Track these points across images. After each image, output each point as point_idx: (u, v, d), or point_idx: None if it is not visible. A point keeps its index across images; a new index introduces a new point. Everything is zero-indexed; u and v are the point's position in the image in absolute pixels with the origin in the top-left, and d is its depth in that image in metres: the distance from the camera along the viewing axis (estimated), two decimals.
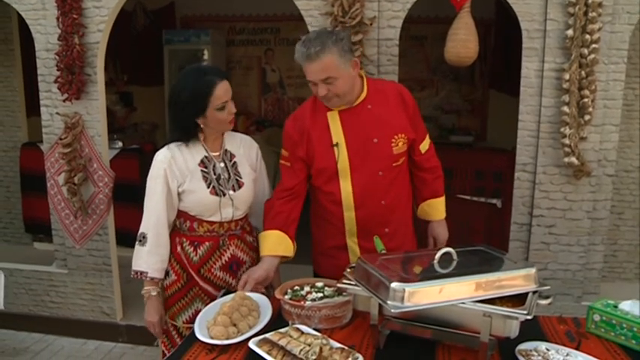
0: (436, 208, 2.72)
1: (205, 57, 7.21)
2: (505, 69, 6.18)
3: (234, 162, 2.45)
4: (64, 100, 3.69)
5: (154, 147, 5.31)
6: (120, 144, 5.23)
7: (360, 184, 2.46)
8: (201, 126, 2.32)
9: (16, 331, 4.22)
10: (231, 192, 2.39)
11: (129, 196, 4.64)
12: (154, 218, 2.34)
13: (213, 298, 2.35)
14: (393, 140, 2.44)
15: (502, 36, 6.23)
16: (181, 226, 2.41)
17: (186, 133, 2.34)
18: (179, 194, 2.35)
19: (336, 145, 2.44)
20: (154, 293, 2.41)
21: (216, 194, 2.35)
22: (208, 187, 2.34)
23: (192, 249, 2.39)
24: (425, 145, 2.63)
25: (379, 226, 2.52)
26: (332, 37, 2.29)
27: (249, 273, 2.36)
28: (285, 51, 7.74)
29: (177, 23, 7.71)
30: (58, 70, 3.65)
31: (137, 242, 2.38)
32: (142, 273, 2.37)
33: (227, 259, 2.43)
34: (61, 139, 3.73)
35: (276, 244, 2.46)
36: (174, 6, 7.59)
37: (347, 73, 2.32)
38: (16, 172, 5.20)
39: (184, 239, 2.41)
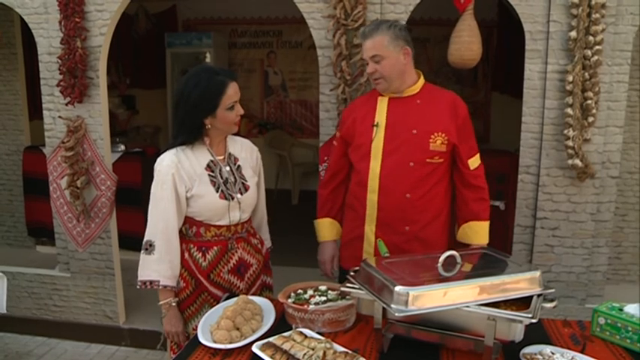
0: (477, 232, 2.62)
1: (207, 60, 7.24)
2: (508, 71, 6.18)
3: (239, 165, 2.45)
4: (66, 104, 3.70)
5: (156, 150, 5.32)
6: (122, 147, 5.23)
7: (388, 168, 2.51)
8: (208, 127, 2.31)
9: (19, 335, 4.22)
10: (238, 195, 2.38)
11: (131, 199, 4.66)
12: (163, 224, 2.30)
13: None
14: (432, 136, 2.48)
15: (504, 38, 6.22)
16: (187, 232, 2.39)
17: (193, 134, 2.33)
18: (187, 199, 2.32)
19: (377, 125, 2.55)
20: (174, 304, 2.37)
21: (225, 198, 2.34)
22: (217, 191, 2.33)
23: (200, 254, 2.37)
24: (474, 162, 2.59)
25: (400, 221, 2.53)
26: (387, 23, 2.50)
27: (322, 260, 2.81)
28: (288, 53, 7.77)
29: (180, 26, 7.74)
30: (60, 73, 3.65)
31: (143, 251, 2.34)
32: (152, 282, 2.32)
33: (235, 262, 2.42)
34: (63, 142, 3.73)
35: (330, 230, 2.81)
36: (176, 9, 7.62)
37: (395, 56, 2.47)
38: (19, 176, 5.20)
39: (192, 245, 2.38)
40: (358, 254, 2.63)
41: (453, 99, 2.58)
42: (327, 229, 2.81)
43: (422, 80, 2.60)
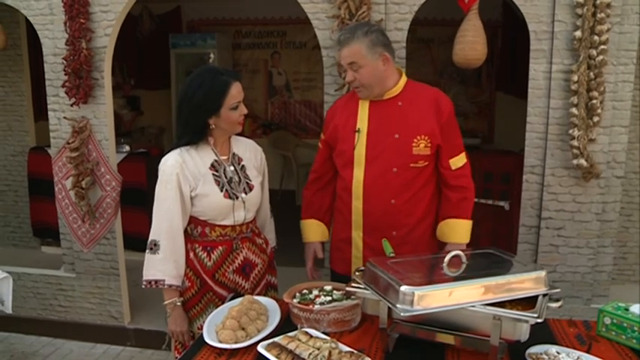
0: (454, 230, 2.55)
1: (212, 60, 7.24)
2: (512, 71, 6.17)
3: (243, 165, 2.45)
4: (71, 105, 3.70)
5: (161, 151, 5.33)
6: (127, 148, 5.24)
7: (371, 176, 2.48)
8: (212, 126, 2.31)
9: (25, 335, 4.23)
10: (243, 195, 2.38)
11: (136, 200, 4.66)
12: (167, 224, 2.31)
13: None
14: (415, 140, 2.44)
15: (509, 38, 6.22)
16: (192, 232, 2.40)
17: (197, 134, 2.33)
18: (192, 199, 2.33)
19: (358, 131, 2.51)
20: (179, 303, 2.38)
21: (230, 197, 2.34)
22: (221, 191, 2.33)
23: (205, 254, 2.38)
24: (457, 162, 2.53)
25: (386, 226, 2.52)
26: (363, 29, 2.42)
27: (305, 260, 2.79)
28: (292, 54, 7.77)
29: (184, 27, 7.75)
30: (65, 74, 3.66)
31: (148, 251, 2.34)
32: (157, 282, 2.32)
33: (240, 262, 2.42)
34: (68, 143, 3.74)
35: (315, 231, 2.77)
36: (180, 10, 7.63)
37: (373, 64, 2.41)
38: (24, 177, 5.21)
39: (197, 245, 2.39)
40: (347, 257, 2.64)
41: (436, 97, 2.51)
42: (311, 229, 2.78)
43: (403, 80, 2.53)
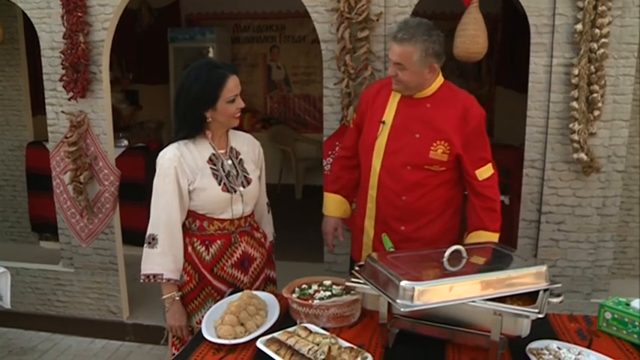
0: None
1: (211, 54, 7.23)
2: (512, 65, 6.16)
3: (240, 159, 2.45)
4: (69, 99, 3.69)
5: (159, 145, 5.29)
6: (125, 142, 5.23)
7: (387, 169, 2.50)
8: (209, 120, 2.30)
9: (24, 330, 4.23)
10: (241, 188, 2.38)
11: (135, 194, 4.65)
12: (165, 218, 2.30)
13: None
14: (434, 144, 2.43)
15: (509, 31, 6.20)
16: (190, 226, 2.39)
17: (194, 127, 2.32)
18: (190, 192, 2.32)
19: (383, 122, 2.53)
20: (177, 298, 2.38)
21: (228, 191, 2.33)
22: (219, 184, 2.32)
23: (203, 248, 2.37)
24: (483, 173, 2.50)
25: (396, 220, 2.53)
26: (424, 35, 2.35)
27: (325, 231, 2.82)
28: (291, 48, 7.75)
29: (183, 21, 7.73)
30: (63, 68, 3.64)
31: (146, 245, 2.34)
32: (155, 276, 2.32)
33: (239, 256, 2.41)
34: (66, 137, 3.73)
35: (337, 206, 2.82)
36: (179, 4, 7.61)
37: (419, 70, 2.39)
38: (22, 171, 5.20)
39: (195, 239, 2.38)
40: (360, 245, 2.68)
41: (467, 106, 2.46)
42: (333, 204, 2.82)
43: (438, 81, 2.50)
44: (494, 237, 2.51)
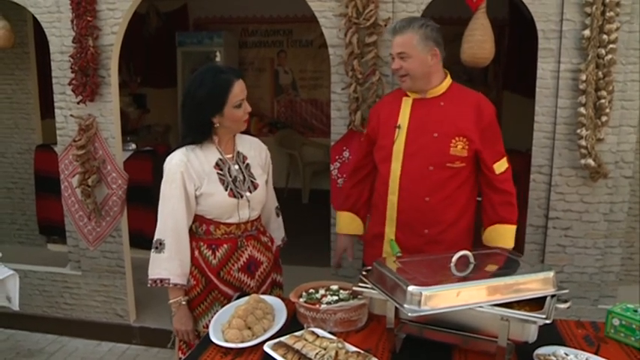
0: (502, 235, 2.54)
1: (218, 59, 7.26)
2: (519, 70, 6.15)
3: (247, 164, 2.45)
4: (78, 102, 3.71)
5: (167, 149, 5.32)
6: (133, 146, 5.25)
7: (408, 171, 2.50)
8: (216, 125, 2.31)
9: (31, 333, 4.24)
10: (247, 193, 2.38)
11: (142, 198, 4.66)
12: (172, 223, 2.31)
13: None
14: (453, 140, 2.45)
15: (516, 37, 6.19)
16: (197, 230, 2.40)
17: (201, 133, 2.33)
18: (196, 197, 2.33)
19: (399, 127, 2.54)
20: (184, 302, 2.38)
21: (234, 196, 2.34)
22: (226, 190, 2.33)
23: (210, 252, 2.38)
24: (500, 167, 2.53)
25: (419, 223, 2.53)
26: (420, 22, 2.47)
27: (335, 250, 2.88)
28: (298, 52, 7.76)
29: (190, 25, 7.75)
30: (72, 72, 3.66)
31: (153, 250, 2.35)
32: (162, 280, 2.33)
33: (245, 260, 2.42)
34: (75, 141, 3.75)
35: (348, 224, 2.84)
36: (187, 8, 7.63)
37: (422, 56, 2.44)
38: (31, 174, 5.23)
39: (202, 243, 2.39)
40: (378, 253, 2.64)
41: (479, 101, 2.52)
42: (344, 222, 2.85)
43: (448, 80, 2.55)
44: (512, 230, 2.55)
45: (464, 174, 2.51)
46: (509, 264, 1.97)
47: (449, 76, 2.56)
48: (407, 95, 2.57)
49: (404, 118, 2.54)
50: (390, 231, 2.59)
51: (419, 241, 2.50)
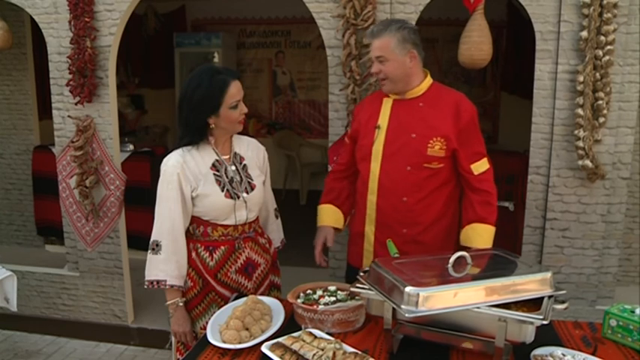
0: (480, 235, 2.50)
1: (216, 60, 7.26)
2: (517, 71, 6.16)
3: (244, 165, 2.45)
4: (75, 103, 3.71)
5: (165, 150, 5.33)
6: (131, 147, 5.24)
7: (387, 171, 2.52)
8: (212, 126, 2.31)
9: (28, 334, 4.24)
10: (244, 194, 2.37)
11: (140, 199, 4.66)
12: (169, 224, 2.31)
13: None
14: (431, 141, 2.46)
15: (514, 38, 6.20)
16: (194, 231, 2.39)
17: (197, 134, 2.33)
18: (193, 199, 2.33)
19: (378, 127, 2.56)
20: (181, 304, 2.38)
21: (231, 197, 2.33)
22: (222, 191, 2.32)
23: (207, 254, 2.37)
24: (479, 167, 2.52)
25: (398, 223, 2.54)
26: (397, 25, 2.47)
27: (314, 243, 2.73)
28: (296, 53, 7.77)
29: (188, 26, 7.76)
30: (70, 73, 3.66)
31: (150, 251, 2.34)
32: (159, 282, 2.32)
33: (243, 261, 2.41)
34: (72, 142, 3.75)
35: (329, 216, 2.79)
36: (185, 9, 7.63)
37: (400, 59, 2.45)
38: (29, 175, 5.22)
39: (199, 245, 2.39)
40: (360, 251, 2.68)
41: (458, 101, 2.52)
42: (325, 214, 2.81)
43: (428, 81, 2.56)
44: (490, 230, 2.52)
45: (443, 175, 2.52)
46: (506, 265, 1.97)
47: (429, 76, 2.58)
48: (387, 96, 2.60)
49: (384, 118, 2.56)
50: (369, 230, 2.62)
51: (398, 241, 2.49)
